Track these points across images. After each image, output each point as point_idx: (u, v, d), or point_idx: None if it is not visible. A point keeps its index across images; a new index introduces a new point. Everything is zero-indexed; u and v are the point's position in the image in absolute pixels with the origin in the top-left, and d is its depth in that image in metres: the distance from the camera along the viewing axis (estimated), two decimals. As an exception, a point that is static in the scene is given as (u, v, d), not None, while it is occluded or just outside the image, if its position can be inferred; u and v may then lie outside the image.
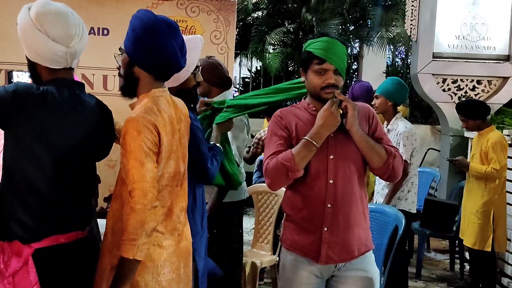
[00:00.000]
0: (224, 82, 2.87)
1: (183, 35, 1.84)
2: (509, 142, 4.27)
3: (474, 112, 3.97)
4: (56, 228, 1.69)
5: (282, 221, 2.20)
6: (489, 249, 3.90)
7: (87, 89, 4.13)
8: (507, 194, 4.24)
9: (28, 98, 1.62)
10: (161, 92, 1.80)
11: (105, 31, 4.20)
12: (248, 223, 5.64)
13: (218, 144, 2.31)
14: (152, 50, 1.73)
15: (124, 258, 1.62)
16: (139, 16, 1.77)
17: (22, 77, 2.95)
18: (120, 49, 1.84)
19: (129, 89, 1.82)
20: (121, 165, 1.72)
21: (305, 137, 1.92)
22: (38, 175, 1.65)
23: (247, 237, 5.26)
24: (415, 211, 3.60)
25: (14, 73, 3.02)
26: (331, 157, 1.97)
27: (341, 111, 1.93)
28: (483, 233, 3.90)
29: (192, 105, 2.26)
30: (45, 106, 1.64)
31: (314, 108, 2.03)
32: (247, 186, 3.53)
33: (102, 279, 1.73)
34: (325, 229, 1.96)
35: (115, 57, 1.88)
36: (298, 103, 2.13)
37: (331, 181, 1.96)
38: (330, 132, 1.93)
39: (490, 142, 3.86)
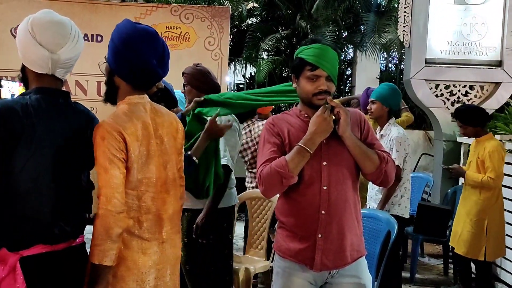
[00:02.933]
0: (213, 89, 2.88)
1: None
2: (502, 147, 4.29)
3: (473, 118, 3.83)
4: (48, 238, 1.68)
5: (276, 225, 2.20)
6: (482, 258, 3.82)
7: (81, 96, 4.14)
8: (504, 200, 4.23)
9: (12, 117, 1.63)
10: (137, 99, 1.84)
11: (99, 38, 4.21)
12: (241, 229, 5.63)
13: (194, 158, 2.37)
14: (126, 60, 1.78)
15: (93, 263, 1.66)
16: (118, 26, 1.83)
17: (13, 86, 2.96)
18: (105, 57, 1.88)
19: (110, 96, 1.89)
20: None
21: (299, 144, 1.92)
22: (30, 188, 1.65)
23: (241, 243, 5.26)
24: (407, 216, 3.61)
25: (4, 82, 3.02)
26: (324, 163, 1.97)
27: (333, 117, 1.94)
28: (477, 242, 3.82)
29: None
30: (29, 121, 1.65)
31: (306, 115, 2.04)
32: (241, 192, 3.54)
33: None
34: (319, 235, 1.96)
35: (99, 65, 1.93)
36: (290, 110, 2.13)
37: (324, 188, 1.96)
38: (323, 138, 1.94)
39: (487, 150, 3.73)
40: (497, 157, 3.71)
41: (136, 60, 1.78)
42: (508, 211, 4.25)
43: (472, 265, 4.11)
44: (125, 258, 1.76)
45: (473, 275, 4.14)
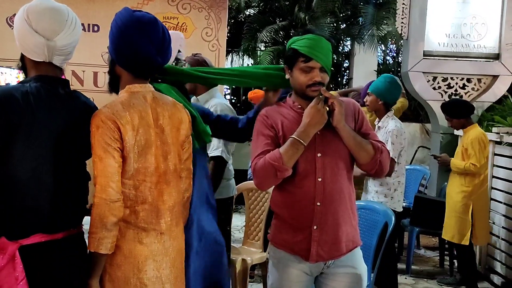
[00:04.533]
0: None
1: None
2: (498, 139, 4.32)
3: (457, 111, 4.07)
4: (47, 227, 1.68)
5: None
6: (467, 243, 4.00)
7: (77, 86, 4.13)
8: (492, 190, 4.31)
9: (12, 105, 1.62)
10: (138, 88, 1.83)
11: (96, 28, 4.19)
12: (239, 220, 5.65)
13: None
14: (124, 49, 1.78)
15: (90, 251, 1.69)
16: (117, 14, 1.83)
17: (11, 73, 2.96)
18: (107, 47, 1.87)
19: (113, 86, 1.89)
20: None
21: (292, 136, 1.91)
22: (29, 178, 1.64)
23: (238, 234, 5.28)
24: (400, 210, 3.61)
25: (1, 69, 3.01)
26: (319, 155, 1.96)
27: (327, 109, 1.93)
28: (461, 227, 4.01)
29: None
30: (29, 109, 1.64)
31: (299, 106, 2.02)
32: (239, 183, 3.54)
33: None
34: (315, 227, 1.96)
35: (102, 55, 1.92)
36: (284, 101, 2.10)
37: (319, 179, 1.95)
38: (317, 129, 1.92)
39: (470, 138, 3.97)
40: (478, 144, 3.93)
41: (132, 48, 1.77)
42: (499, 202, 4.29)
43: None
44: (122, 247, 1.76)
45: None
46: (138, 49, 1.77)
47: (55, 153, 1.69)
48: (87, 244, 1.75)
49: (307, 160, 1.95)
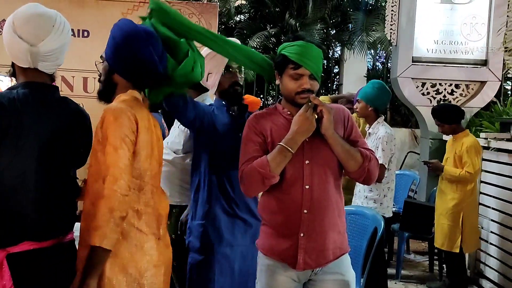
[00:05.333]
0: (201, 85, 2.87)
1: None
2: (485, 145, 4.36)
3: (449, 116, 4.05)
4: (35, 235, 1.67)
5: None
6: (457, 250, 4.00)
7: (67, 92, 4.10)
8: (481, 195, 4.34)
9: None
10: (137, 95, 1.85)
11: (85, 33, 4.17)
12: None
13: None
14: (129, 58, 1.78)
15: (93, 246, 1.60)
16: (119, 25, 1.82)
17: (4, 80, 2.96)
18: (101, 57, 1.87)
19: (106, 94, 1.87)
20: (90, 160, 1.72)
21: (280, 143, 1.90)
22: (16, 184, 1.63)
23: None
24: (389, 215, 3.63)
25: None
26: (307, 162, 1.95)
27: (316, 116, 1.92)
28: (452, 235, 4.01)
29: (235, 106, 2.37)
30: (16, 115, 1.63)
31: (288, 112, 2.02)
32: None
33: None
34: (302, 234, 1.95)
35: (96, 64, 1.92)
36: (275, 107, 2.10)
37: (307, 187, 1.94)
38: (305, 137, 1.92)
39: (464, 146, 3.94)
40: (474, 152, 3.92)
41: (138, 57, 1.78)
42: (487, 206, 4.33)
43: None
44: (123, 251, 1.72)
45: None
46: (145, 59, 1.78)
47: (43, 159, 1.68)
48: (76, 248, 1.71)
49: (295, 167, 1.94)
